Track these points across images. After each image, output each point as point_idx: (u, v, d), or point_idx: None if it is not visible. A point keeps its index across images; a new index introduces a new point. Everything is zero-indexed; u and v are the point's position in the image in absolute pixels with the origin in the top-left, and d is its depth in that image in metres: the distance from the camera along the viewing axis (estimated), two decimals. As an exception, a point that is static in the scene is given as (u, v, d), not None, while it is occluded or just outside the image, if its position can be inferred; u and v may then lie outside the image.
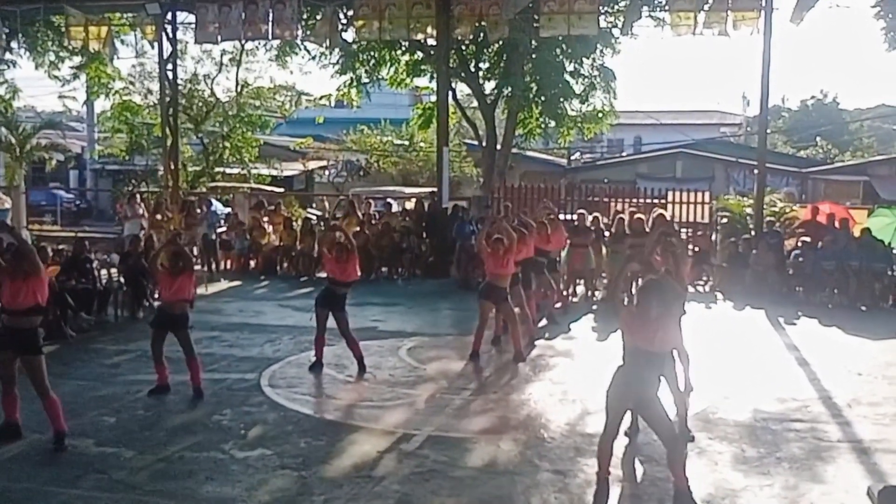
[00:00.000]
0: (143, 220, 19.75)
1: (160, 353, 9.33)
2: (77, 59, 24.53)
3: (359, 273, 10.54)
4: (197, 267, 11.59)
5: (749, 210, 19.24)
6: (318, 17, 19.90)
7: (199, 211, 19.11)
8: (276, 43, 23.58)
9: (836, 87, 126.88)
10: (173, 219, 18.54)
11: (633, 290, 6.58)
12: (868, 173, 32.53)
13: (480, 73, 23.36)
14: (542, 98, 22.86)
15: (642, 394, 6.33)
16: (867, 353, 11.89)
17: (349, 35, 20.84)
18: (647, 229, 15.72)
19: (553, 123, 23.93)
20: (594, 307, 15.17)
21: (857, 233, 16.50)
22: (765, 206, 18.64)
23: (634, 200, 19.41)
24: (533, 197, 19.93)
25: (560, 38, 20.24)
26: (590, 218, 15.96)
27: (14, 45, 23.43)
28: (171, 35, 20.85)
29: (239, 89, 28.34)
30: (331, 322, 10.38)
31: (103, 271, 14.38)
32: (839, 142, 49.76)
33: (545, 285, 13.55)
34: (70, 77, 25.50)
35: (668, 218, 16.26)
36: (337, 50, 22.25)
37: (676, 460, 6.43)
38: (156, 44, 21.27)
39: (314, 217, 22.94)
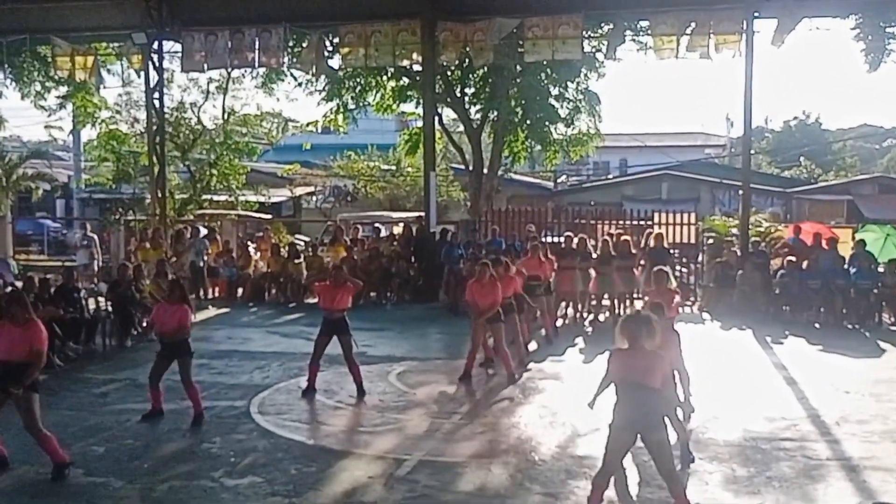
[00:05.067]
0: (94, 249, 20.07)
1: (158, 380, 9.34)
2: (63, 89, 24.48)
3: (349, 301, 10.54)
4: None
5: (735, 230, 19.37)
6: (304, 45, 20.05)
7: (188, 238, 19.22)
8: (262, 70, 23.65)
9: (818, 107, 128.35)
10: (161, 247, 18.55)
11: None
12: (851, 192, 32.81)
13: (466, 98, 23.50)
14: (528, 122, 23.01)
15: (647, 424, 6.31)
16: (854, 371, 11.96)
17: (335, 62, 20.97)
18: (634, 251, 15.88)
19: (539, 147, 24.08)
20: (585, 329, 15.22)
21: (846, 251, 16.61)
22: (750, 227, 18.79)
23: (621, 222, 19.51)
24: (520, 220, 20.01)
25: (545, 62, 20.42)
26: (575, 240, 16.02)
27: (0, 75, 23.43)
28: (157, 64, 20.91)
29: (226, 117, 28.35)
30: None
31: (91, 300, 14.31)
32: (822, 162, 50.24)
33: (541, 307, 13.62)
34: (56, 107, 25.40)
35: (663, 241, 16.48)
36: (323, 77, 22.35)
37: (676, 492, 6.43)
38: (142, 73, 21.34)
39: (301, 243, 22.94)
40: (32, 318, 7.63)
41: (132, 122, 27.84)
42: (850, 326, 15.52)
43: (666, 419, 6.49)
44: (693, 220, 19.46)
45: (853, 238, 17.35)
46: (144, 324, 13.98)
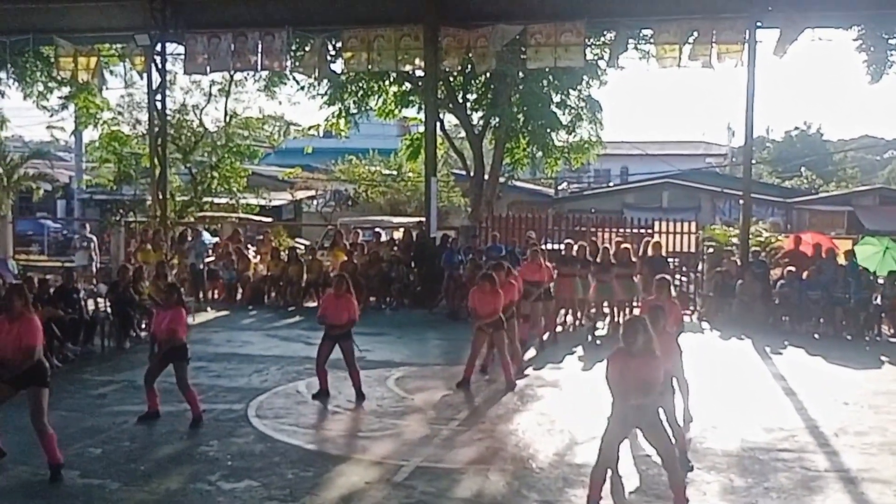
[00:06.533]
0: (93, 251, 20.20)
1: (153, 381, 9.33)
2: (66, 90, 24.51)
3: (356, 314, 10.49)
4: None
5: (735, 240, 19.35)
6: (307, 49, 20.06)
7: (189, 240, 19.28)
8: (264, 73, 23.67)
9: (819, 118, 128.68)
10: (161, 249, 18.57)
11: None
12: (852, 203, 32.84)
13: (468, 104, 23.52)
14: (529, 128, 23.01)
15: (642, 424, 6.41)
16: (853, 382, 11.94)
17: (338, 66, 20.99)
18: (634, 259, 15.86)
19: (540, 153, 24.09)
20: (588, 337, 15.18)
21: (841, 260, 16.60)
22: (750, 236, 18.77)
23: (621, 230, 19.49)
24: (521, 227, 20.00)
25: (547, 69, 20.44)
26: (576, 247, 15.99)
27: (3, 75, 23.43)
28: (160, 66, 20.89)
29: (227, 119, 28.37)
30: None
31: (90, 301, 14.29)
32: (823, 172, 50.22)
33: (536, 314, 13.57)
34: (58, 107, 25.43)
35: (661, 250, 16.47)
36: (325, 81, 22.38)
37: (676, 482, 6.48)
38: (145, 74, 21.33)
39: (301, 247, 22.94)
40: (27, 314, 7.55)
41: (134, 124, 27.86)
42: (849, 337, 15.49)
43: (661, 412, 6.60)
44: (693, 228, 19.43)
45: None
46: (143, 326, 13.99)
